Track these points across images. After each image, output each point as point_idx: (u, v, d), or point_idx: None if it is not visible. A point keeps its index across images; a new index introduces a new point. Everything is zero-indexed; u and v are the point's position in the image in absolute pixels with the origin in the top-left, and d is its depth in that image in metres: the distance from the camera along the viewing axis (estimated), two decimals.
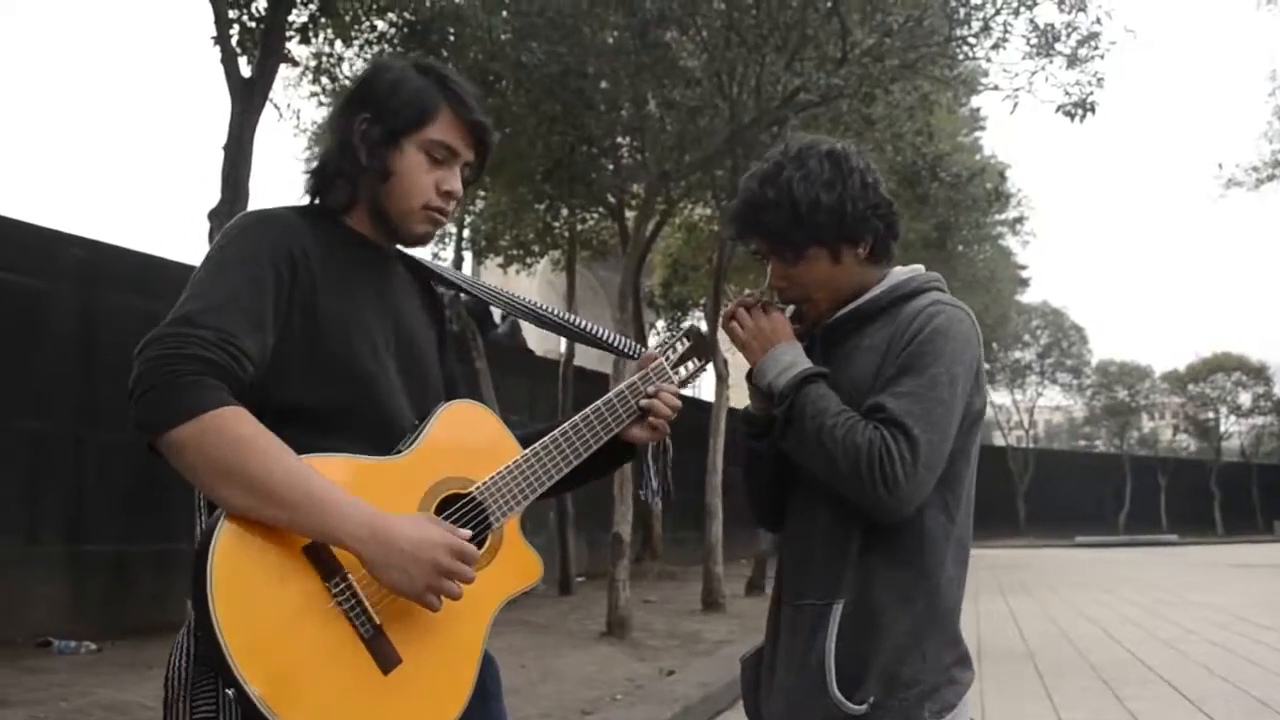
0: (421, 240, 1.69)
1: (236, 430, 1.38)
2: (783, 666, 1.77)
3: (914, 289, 1.79)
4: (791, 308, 1.85)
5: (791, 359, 1.77)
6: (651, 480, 1.87)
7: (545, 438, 1.68)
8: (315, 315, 1.53)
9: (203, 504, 1.48)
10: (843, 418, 1.67)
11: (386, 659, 1.43)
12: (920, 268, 1.86)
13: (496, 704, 1.69)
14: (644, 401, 1.77)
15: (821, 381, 1.73)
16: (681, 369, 1.85)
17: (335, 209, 1.65)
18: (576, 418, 1.72)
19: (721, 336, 5.50)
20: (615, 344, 1.90)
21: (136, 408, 1.38)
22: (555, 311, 1.87)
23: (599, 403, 1.74)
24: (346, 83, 8.86)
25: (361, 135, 1.61)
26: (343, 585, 1.42)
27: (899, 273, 1.84)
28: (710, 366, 1.90)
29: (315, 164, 1.67)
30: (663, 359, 1.83)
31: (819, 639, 1.69)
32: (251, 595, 1.37)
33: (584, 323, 1.90)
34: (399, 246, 1.72)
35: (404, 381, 1.62)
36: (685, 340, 1.87)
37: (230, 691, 1.33)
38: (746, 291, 1.89)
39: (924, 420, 1.63)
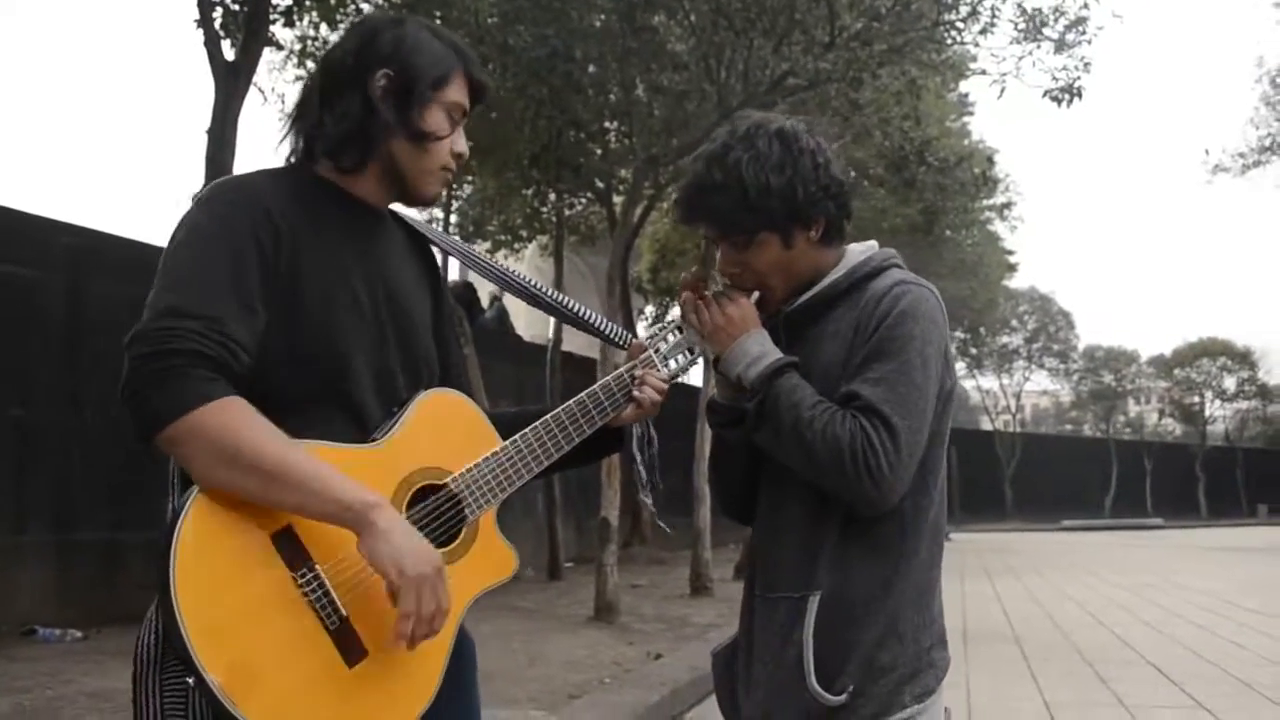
0: (432, 201, 1.67)
1: (230, 421, 1.35)
2: (759, 660, 1.72)
3: (873, 269, 1.73)
4: (756, 294, 1.77)
5: (761, 349, 1.71)
6: (642, 474, 1.83)
7: (527, 429, 1.63)
8: (298, 281, 1.48)
9: (176, 480, 1.46)
10: (819, 409, 1.62)
11: (351, 651, 1.40)
12: (874, 244, 1.81)
13: (469, 695, 1.65)
14: (632, 393, 1.72)
15: (794, 372, 1.68)
16: (673, 361, 1.80)
17: (344, 170, 1.57)
18: (560, 409, 1.67)
19: None
20: (606, 331, 1.86)
21: (129, 408, 1.35)
22: (549, 292, 1.83)
23: (584, 394, 1.70)
24: None
25: (383, 92, 1.55)
26: (310, 575, 1.39)
27: (855, 252, 1.78)
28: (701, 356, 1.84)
29: (321, 128, 1.57)
30: (652, 351, 1.78)
31: (796, 632, 1.64)
32: (215, 581, 1.34)
33: (577, 306, 1.85)
34: (396, 210, 1.68)
35: (395, 346, 1.57)
36: (678, 331, 1.81)
37: (190, 680, 1.31)
38: (697, 270, 1.81)
39: (901, 407, 1.59)
